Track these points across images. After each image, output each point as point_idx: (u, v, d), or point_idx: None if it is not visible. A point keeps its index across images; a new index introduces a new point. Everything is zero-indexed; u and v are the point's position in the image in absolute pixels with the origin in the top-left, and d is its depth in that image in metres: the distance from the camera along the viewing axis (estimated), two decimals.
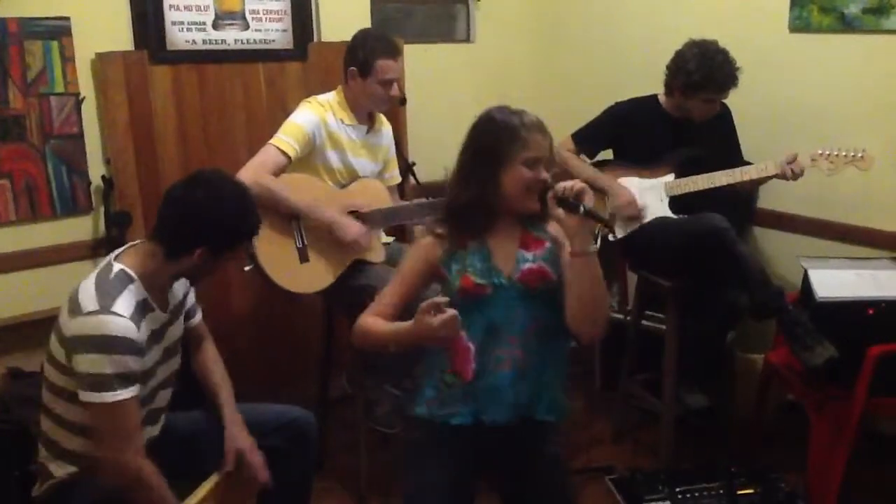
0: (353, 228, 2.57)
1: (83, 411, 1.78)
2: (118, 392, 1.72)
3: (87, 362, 1.72)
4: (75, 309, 1.75)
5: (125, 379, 1.73)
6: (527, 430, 1.85)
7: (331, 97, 2.70)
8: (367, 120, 2.75)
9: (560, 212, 1.72)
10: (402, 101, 2.80)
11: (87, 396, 1.73)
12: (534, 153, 1.76)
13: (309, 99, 2.68)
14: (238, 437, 2.00)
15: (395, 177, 2.94)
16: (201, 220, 1.83)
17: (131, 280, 1.82)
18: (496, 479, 1.97)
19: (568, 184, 1.73)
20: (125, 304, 1.77)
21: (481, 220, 1.83)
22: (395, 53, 2.64)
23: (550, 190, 1.75)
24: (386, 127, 2.87)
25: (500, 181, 1.77)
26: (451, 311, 1.65)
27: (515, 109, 1.82)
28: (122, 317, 1.74)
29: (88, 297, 1.76)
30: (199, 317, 2.17)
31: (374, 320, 1.86)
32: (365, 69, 2.61)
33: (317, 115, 2.62)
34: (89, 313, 1.73)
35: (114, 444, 1.76)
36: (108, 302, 1.75)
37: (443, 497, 1.84)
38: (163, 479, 1.81)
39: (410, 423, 1.93)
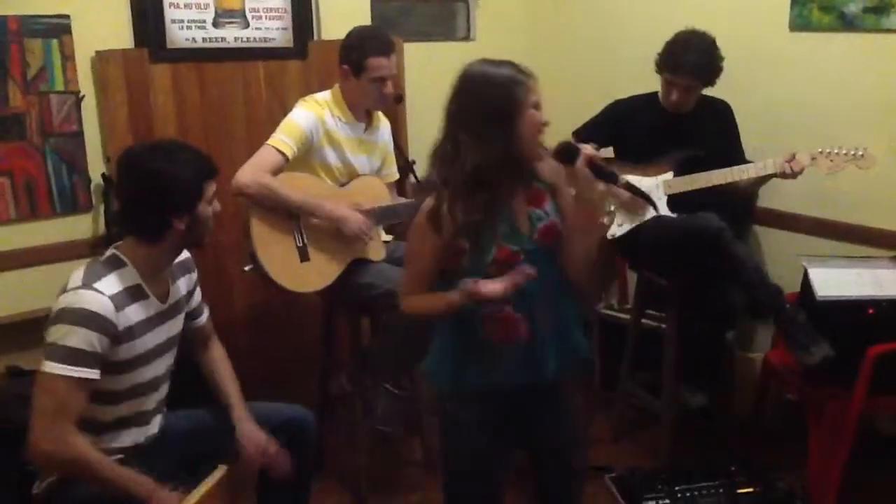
0: (356, 221, 2.57)
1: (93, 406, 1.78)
2: (75, 368, 1.70)
3: (54, 332, 1.71)
4: (63, 288, 1.77)
5: (85, 357, 1.71)
6: (555, 386, 1.86)
7: (328, 95, 2.69)
8: (364, 117, 2.74)
9: (587, 173, 1.71)
10: (398, 98, 2.79)
11: (44, 365, 1.71)
12: (537, 95, 1.74)
13: (306, 98, 2.68)
14: (254, 432, 2.01)
15: (393, 173, 2.93)
16: (156, 198, 1.82)
17: (123, 264, 1.83)
18: (524, 440, 1.97)
19: (589, 149, 1.74)
20: (109, 283, 1.77)
21: (510, 182, 1.76)
22: (388, 51, 2.62)
23: (577, 152, 1.74)
24: (384, 124, 2.87)
25: (519, 133, 1.71)
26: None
27: (494, 60, 1.76)
28: (101, 293, 1.74)
29: (76, 277, 1.77)
30: (205, 315, 2.16)
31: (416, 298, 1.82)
32: (357, 68, 2.60)
33: (314, 113, 2.61)
34: (72, 289, 1.75)
35: (48, 418, 1.71)
36: (91, 280, 1.76)
37: (488, 464, 1.86)
38: (96, 450, 1.77)
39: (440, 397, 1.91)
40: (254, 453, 1.99)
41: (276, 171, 2.52)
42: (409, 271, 1.86)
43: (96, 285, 1.75)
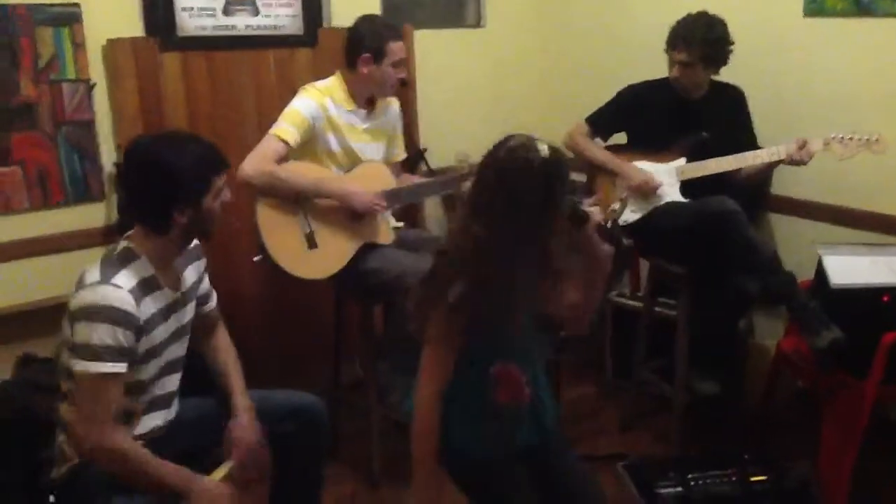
0: (366, 195, 2.58)
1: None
2: (104, 364, 1.72)
3: (81, 331, 1.73)
4: (80, 284, 1.78)
5: (114, 352, 1.73)
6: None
7: (329, 83, 2.70)
8: (366, 105, 2.75)
9: (596, 238, 1.73)
10: (404, 82, 2.79)
11: (75, 365, 1.74)
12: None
13: (307, 86, 2.68)
14: (244, 428, 1.99)
15: (399, 153, 2.95)
16: (158, 189, 1.81)
17: (136, 257, 1.83)
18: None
19: (597, 215, 1.74)
20: (126, 277, 1.78)
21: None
22: (402, 36, 2.72)
23: (587, 217, 1.72)
24: (393, 105, 2.86)
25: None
26: None
27: (534, 142, 1.64)
28: (120, 288, 1.74)
29: (92, 273, 1.78)
30: (213, 303, 2.17)
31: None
32: (379, 54, 2.63)
33: (315, 101, 2.62)
34: (90, 285, 1.75)
35: (88, 415, 1.75)
36: (108, 275, 1.76)
37: None
38: (143, 449, 1.80)
39: (467, 471, 1.84)
40: (242, 450, 1.96)
41: (281, 160, 2.52)
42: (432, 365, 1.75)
43: (114, 280, 1.76)
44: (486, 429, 1.78)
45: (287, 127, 2.54)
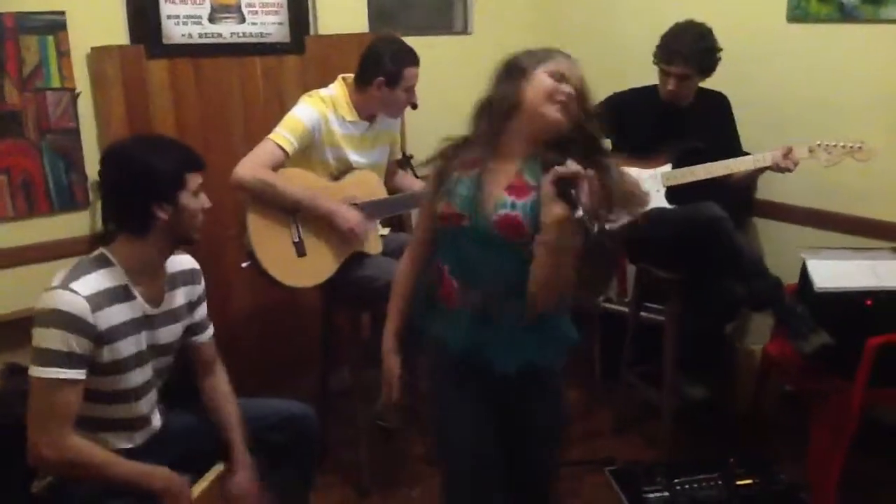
0: (351, 217, 2.57)
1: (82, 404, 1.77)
2: (56, 369, 1.69)
3: (36, 335, 1.71)
4: (45, 288, 1.76)
5: (65, 358, 1.70)
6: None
7: (333, 92, 2.68)
8: (368, 117, 2.74)
9: (552, 190, 1.58)
10: (414, 105, 2.80)
11: (30, 369, 1.71)
12: (556, 67, 1.74)
13: (311, 93, 2.67)
14: (243, 485, 1.97)
15: (397, 151, 2.98)
16: (135, 185, 1.80)
17: (108, 264, 1.81)
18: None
19: (573, 167, 1.58)
20: (89, 283, 1.75)
21: (496, 128, 1.75)
22: (419, 61, 2.69)
23: (552, 163, 1.62)
24: None
25: (522, 92, 1.72)
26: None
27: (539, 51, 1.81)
28: (76, 294, 1.71)
29: (57, 277, 1.76)
30: (208, 335, 2.09)
31: (399, 291, 1.97)
32: (394, 79, 2.62)
33: (318, 111, 2.60)
34: (49, 289, 1.73)
35: (40, 422, 1.71)
36: (69, 280, 1.74)
37: (472, 414, 1.84)
38: (100, 448, 1.78)
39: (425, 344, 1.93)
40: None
41: (276, 167, 2.52)
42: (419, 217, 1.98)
43: (73, 285, 1.72)
44: (432, 314, 1.87)
45: (286, 135, 2.53)
